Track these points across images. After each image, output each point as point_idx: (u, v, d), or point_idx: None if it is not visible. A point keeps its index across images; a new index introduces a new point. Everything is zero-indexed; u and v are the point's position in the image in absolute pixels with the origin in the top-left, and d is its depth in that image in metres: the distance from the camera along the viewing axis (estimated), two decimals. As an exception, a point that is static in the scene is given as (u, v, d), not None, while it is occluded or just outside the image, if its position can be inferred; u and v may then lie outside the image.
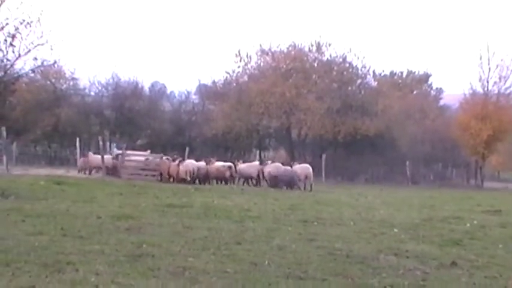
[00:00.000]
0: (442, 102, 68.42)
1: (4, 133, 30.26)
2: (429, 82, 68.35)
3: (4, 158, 29.72)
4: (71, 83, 55.71)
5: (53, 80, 53.52)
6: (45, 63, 36.17)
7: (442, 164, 61.11)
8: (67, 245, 9.31)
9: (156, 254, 8.92)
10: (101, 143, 31.60)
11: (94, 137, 45.56)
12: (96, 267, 7.86)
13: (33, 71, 39.88)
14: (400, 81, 65.37)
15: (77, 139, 39.64)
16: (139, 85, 56.86)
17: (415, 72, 66.92)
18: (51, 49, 31.30)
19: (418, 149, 52.68)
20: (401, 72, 66.41)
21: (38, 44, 30.46)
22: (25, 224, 11.25)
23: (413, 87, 66.03)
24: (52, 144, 52.97)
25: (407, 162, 48.09)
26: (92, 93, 57.46)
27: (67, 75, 54.74)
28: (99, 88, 56.95)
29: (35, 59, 33.25)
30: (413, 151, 51.79)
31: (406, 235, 12.50)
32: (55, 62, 43.29)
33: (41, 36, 29.40)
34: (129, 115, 53.14)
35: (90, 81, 56.63)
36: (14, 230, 10.47)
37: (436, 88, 69.40)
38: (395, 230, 13.13)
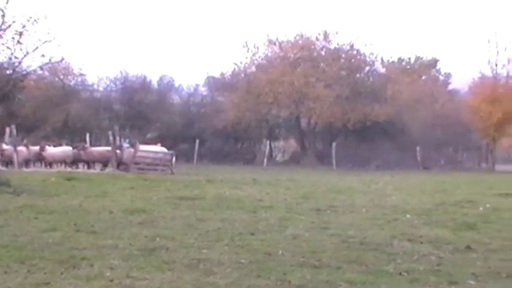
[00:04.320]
0: (451, 87, 68.20)
1: (14, 130, 30.36)
2: (437, 67, 68.18)
3: (15, 155, 29.79)
4: (79, 78, 55.79)
5: (61, 77, 53.60)
6: (53, 59, 36.32)
7: (453, 148, 60.94)
8: (81, 240, 9.33)
9: (170, 246, 8.93)
10: (111, 137, 31.64)
11: (104, 131, 45.57)
12: (111, 261, 7.88)
13: (41, 68, 39.99)
14: (408, 67, 65.22)
15: (87, 134, 39.73)
16: (148, 79, 56.99)
17: (423, 57, 66.74)
18: (59, 46, 31.44)
19: (428, 133, 52.55)
20: (410, 58, 66.27)
21: (45, 41, 30.58)
22: (38, 221, 11.27)
23: (421, 72, 65.86)
24: (62, 140, 53.13)
25: (418, 148, 48.05)
26: (101, 89, 57.61)
27: (75, 71, 54.83)
28: (108, 83, 57.15)
29: (43, 55, 33.38)
30: (424, 136, 51.68)
31: (420, 220, 12.48)
32: (63, 59, 43.36)
33: (48, 33, 29.53)
34: (138, 109, 53.22)
35: (98, 77, 56.82)
36: (28, 227, 10.50)
37: (445, 73, 69.19)
38: (408, 216, 13.11)
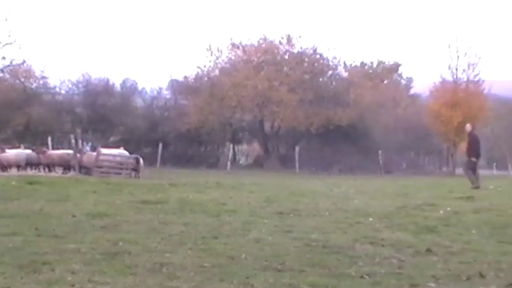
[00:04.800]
0: (412, 91, 68.92)
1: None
2: (399, 71, 68.91)
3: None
4: (41, 81, 55.43)
5: (23, 79, 53.22)
6: (14, 62, 36.03)
7: (415, 152, 61.54)
8: (42, 244, 9.25)
9: (132, 251, 8.90)
10: (73, 141, 31.44)
11: (66, 135, 45.31)
12: (73, 266, 7.82)
13: (2, 70, 39.66)
14: (371, 71, 65.74)
15: (49, 138, 39.43)
16: (111, 82, 56.83)
17: (385, 62, 67.37)
18: (20, 48, 31.22)
19: (390, 137, 53.04)
20: (372, 63, 66.87)
21: (6, 43, 30.31)
22: (-1, 225, 11.16)
23: (384, 76, 66.45)
24: (24, 144, 52.67)
25: (380, 151, 48.40)
26: (63, 92, 57.32)
27: (37, 74, 54.50)
28: (70, 86, 56.86)
29: (4, 58, 33.09)
30: (386, 140, 52.16)
31: (381, 224, 12.57)
32: (24, 61, 43.11)
33: (9, 36, 29.26)
34: (101, 112, 52.97)
35: (60, 80, 56.51)
36: (-12, 232, 10.38)
37: (407, 77, 69.99)
38: (371, 219, 13.20)
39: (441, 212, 14.91)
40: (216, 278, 7.43)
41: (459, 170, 49.92)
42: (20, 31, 60.72)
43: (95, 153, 31.07)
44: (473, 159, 24.76)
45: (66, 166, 30.70)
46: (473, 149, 24.86)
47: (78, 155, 30.16)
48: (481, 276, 7.90)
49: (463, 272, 8.11)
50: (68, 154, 31.27)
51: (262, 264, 8.27)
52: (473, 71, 52.70)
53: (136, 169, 30.72)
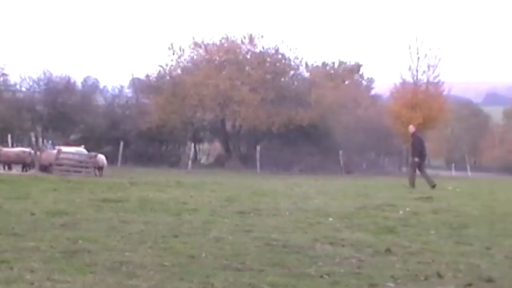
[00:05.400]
0: (373, 92, 69.38)
1: None
2: (360, 72, 69.18)
3: None
4: (1, 78, 54.85)
5: (-17, 76, 52.63)
6: (-27, 59, 35.59)
7: (375, 152, 61.94)
8: (1, 242, 9.15)
9: (92, 249, 8.85)
10: (33, 139, 31.19)
11: (27, 133, 44.92)
12: (31, 264, 7.76)
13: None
14: (332, 71, 65.85)
15: (9, 135, 39.03)
16: (72, 80, 56.38)
17: (346, 62, 67.53)
18: (-20, 45, 30.84)
19: (351, 138, 53.30)
20: (333, 63, 66.95)
21: (-34, 40, 29.90)
22: (-43, 223, 11.03)
23: (345, 77, 66.62)
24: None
25: (341, 152, 48.63)
26: (24, 89, 56.74)
27: (-3, 71, 53.88)
28: (31, 84, 56.27)
29: (-37, 55, 32.63)
30: (347, 140, 52.41)
31: (341, 224, 12.65)
32: (-16, 58, 42.47)
33: (-31, 32, 28.88)
34: (61, 110, 52.54)
35: (21, 77, 55.91)
36: None
37: (368, 78, 70.34)
38: (331, 219, 13.27)
39: (400, 212, 15.05)
40: (176, 277, 7.43)
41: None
42: (-20, 28, 59.86)
43: (54, 151, 30.82)
44: (416, 159, 25.46)
45: (23, 164, 30.45)
46: (416, 149, 25.46)
47: (37, 153, 29.89)
48: (439, 276, 7.99)
49: (421, 272, 8.19)
50: (24, 152, 31.01)
51: (222, 263, 8.28)
52: (433, 72, 53.30)
53: (98, 167, 30.60)
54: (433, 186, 24.16)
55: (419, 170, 25.65)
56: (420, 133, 29.90)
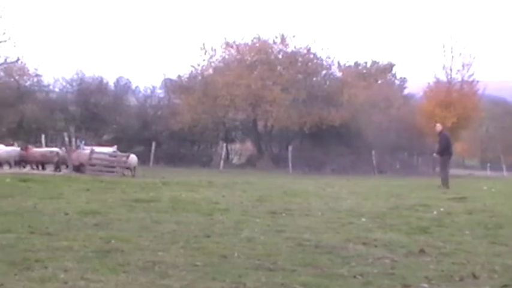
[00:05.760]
0: (406, 91, 68.79)
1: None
2: (393, 71, 68.58)
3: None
4: (35, 79, 55.40)
5: (17, 77, 53.18)
6: (8, 60, 35.87)
7: (408, 152, 61.47)
8: (35, 242, 9.24)
9: (125, 249, 8.89)
10: (66, 139, 31.43)
11: (60, 133, 45.25)
12: (65, 263, 7.81)
13: (-4, 68, 39.53)
14: (364, 71, 65.41)
15: (42, 136, 39.37)
16: (104, 81, 56.66)
17: (379, 62, 67.05)
18: (14, 46, 31.09)
19: (383, 138, 52.92)
20: (366, 63, 66.49)
21: (1, 41, 30.17)
22: (-9, 222, 11.14)
23: (377, 76, 66.15)
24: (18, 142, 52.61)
25: (373, 152, 48.40)
26: (57, 90, 57.22)
27: (31, 72, 54.45)
28: (64, 84, 56.71)
29: (-2, 56, 32.95)
30: (379, 140, 52.03)
31: (374, 224, 12.57)
32: (18, 59, 42.94)
33: (4, 33, 29.13)
34: (94, 110, 52.90)
35: (54, 78, 56.40)
36: (-19, 229, 10.36)
37: (400, 77, 69.69)
38: (363, 219, 13.21)
39: (434, 212, 14.93)
40: (208, 277, 7.43)
41: (452, 171, 50.14)
42: (14, 29, 60.52)
43: (85, 151, 31.01)
44: (445, 157, 25.68)
45: (47, 164, 30.74)
46: (444, 147, 25.42)
47: (68, 153, 30.12)
48: (474, 277, 7.90)
49: (456, 272, 8.11)
50: (51, 152, 31.27)
51: (254, 263, 8.27)
52: (467, 71, 52.81)
53: (129, 168, 30.78)
54: (445, 187, 24.08)
55: (444, 167, 25.68)
56: (447, 131, 29.80)
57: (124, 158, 31.24)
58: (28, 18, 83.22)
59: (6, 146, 33.15)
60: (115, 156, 31.48)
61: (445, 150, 25.63)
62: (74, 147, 32.13)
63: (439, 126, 26.70)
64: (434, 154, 25.78)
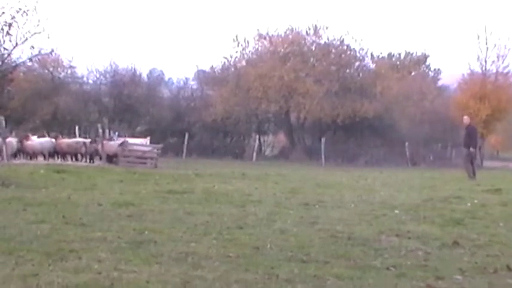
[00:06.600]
0: (440, 83, 68.24)
1: (3, 122, 30.24)
2: (427, 63, 68.03)
3: (4, 148, 29.68)
4: (69, 71, 55.71)
5: (51, 69, 53.52)
6: (42, 51, 36.00)
7: (442, 144, 61.03)
8: (69, 233, 9.32)
9: (158, 240, 8.94)
10: (100, 130, 31.61)
11: (93, 124, 45.55)
12: (99, 254, 7.88)
13: (30, 59, 39.71)
14: (398, 62, 65.07)
15: (76, 127, 39.65)
16: (138, 72, 56.80)
17: (413, 53, 66.55)
18: (48, 37, 31.28)
19: (417, 130, 52.62)
20: (399, 54, 66.09)
21: (35, 33, 30.26)
22: (26, 213, 11.27)
23: (411, 68, 65.73)
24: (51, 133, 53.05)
25: (407, 144, 48.14)
26: (90, 81, 57.43)
27: (65, 64, 54.80)
28: (97, 76, 56.92)
29: (32, 47, 33.05)
30: (413, 132, 51.75)
31: (407, 216, 12.51)
32: (52, 51, 43.05)
33: (38, 25, 29.21)
34: (127, 102, 53.10)
35: (88, 69, 56.61)
36: (16, 219, 10.49)
37: (434, 69, 69.13)
38: (396, 211, 13.15)
39: (468, 204, 14.82)
40: (241, 268, 7.44)
41: (487, 163, 49.75)
42: (48, 20, 60.84)
43: (115, 142, 31.13)
44: (472, 149, 25.91)
45: (74, 155, 30.98)
46: (472, 140, 25.87)
47: (100, 144, 30.32)
48: (509, 269, 7.85)
49: (489, 265, 8.06)
50: (77, 143, 31.52)
51: (287, 255, 8.28)
52: (502, 62, 52.16)
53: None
54: (473, 179, 24.09)
55: (469, 160, 25.62)
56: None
57: (157, 150, 31.39)
58: (62, 10, 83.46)
59: (39, 137, 33.41)
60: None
61: (473, 143, 25.70)
62: (106, 138, 32.23)
63: (466, 119, 26.73)
64: (472, 149, 25.66)
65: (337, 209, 13.53)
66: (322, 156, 46.53)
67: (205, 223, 10.72)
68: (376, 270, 7.62)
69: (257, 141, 54.01)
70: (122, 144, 30.28)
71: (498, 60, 51.92)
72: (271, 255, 8.26)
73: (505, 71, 52.41)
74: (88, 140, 32.06)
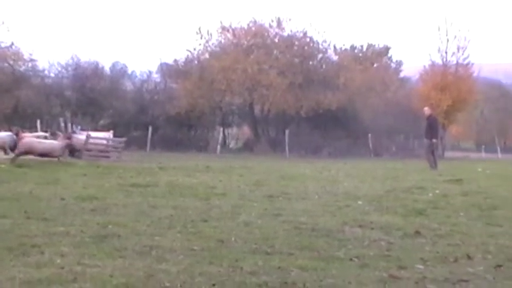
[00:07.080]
0: (402, 75, 68.84)
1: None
2: (389, 55, 68.59)
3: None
4: (30, 64, 54.98)
5: (11, 62, 52.89)
6: (2, 45, 35.74)
7: (404, 135, 61.56)
8: (31, 227, 9.24)
9: (121, 234, 8.90)
10: (62, 124, 31.39)
11: (56, 118, 45.24)
12: (62, 248, 7.82)
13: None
14: (360, 54, 65.45)
15: (38, 121, 39.30)
16: (100, 65, 56.37)
17: (375, 45, 67.05)
18: (8, 30, 31.02)
19: (380, 121, 53.02)
20: (362, 46, 66.50)
21: (-5, 26, 30.04)
22: (-12, 208, 11.15)
23: (373, 60, 66.19)
24: (13, 127, 52.46)
25: (370, 135, 48.48)
26: (52, 75, 56.81)
27: (25, 57, 54.06)
28: (59, 69, 56.34)
29: (-8, 40, 32.80)
30: (376, 123, 52.16)
31: (370, 207, 12.62)
32: (12, 44, 42.71)
33: (-3, 18, 29.01)
34: (90, 95, 52.64)
35: (49, 63, 56.05)
36: (-23, 215, 10.37)
37: (396, 60, 69.71)
38: (360, 202, 13.25)
39: (430, 195, 15.00)
40: (205, 261, 7.44)
41: (448, 153, 50.31)
42: (8, 13, 60.27)
43: (80, 136, 30.87)
44: (434, 140, 26.38)
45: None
46: (434, 131, 26.31)
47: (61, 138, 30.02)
48: (469, 258, 7.97)
49: (450, 254, 8.17)
50: (38, 137, 31.18)
51: (251, 247, 8.30)
52: (462, 54, 52.98)
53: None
54: (434, 169, 24.41)
55: (430, 151, 25.89)
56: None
57: (122, 143, 31.18)
58: (22, 3, 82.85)
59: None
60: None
61: (434, 134, 25.97)
62: (74, 132, 31.91)
63: (427, 110, 27.04)
64: (434, 140, 25.93)
65: (301, 200, 13.60)
66: (286, 148, 46.70)
67: (170, 216, 10.70)
68: (339, 261, 7.67)
69: (221, 133, 53.94)
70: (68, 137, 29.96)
71: (458, 51, 52.73)
72: (236, 247, 8.28)
73: (465, 62, 53.15)
74: (49, 134, 31.67)
